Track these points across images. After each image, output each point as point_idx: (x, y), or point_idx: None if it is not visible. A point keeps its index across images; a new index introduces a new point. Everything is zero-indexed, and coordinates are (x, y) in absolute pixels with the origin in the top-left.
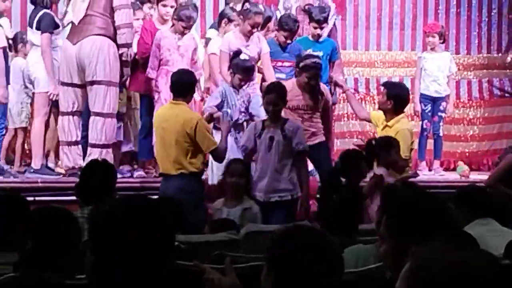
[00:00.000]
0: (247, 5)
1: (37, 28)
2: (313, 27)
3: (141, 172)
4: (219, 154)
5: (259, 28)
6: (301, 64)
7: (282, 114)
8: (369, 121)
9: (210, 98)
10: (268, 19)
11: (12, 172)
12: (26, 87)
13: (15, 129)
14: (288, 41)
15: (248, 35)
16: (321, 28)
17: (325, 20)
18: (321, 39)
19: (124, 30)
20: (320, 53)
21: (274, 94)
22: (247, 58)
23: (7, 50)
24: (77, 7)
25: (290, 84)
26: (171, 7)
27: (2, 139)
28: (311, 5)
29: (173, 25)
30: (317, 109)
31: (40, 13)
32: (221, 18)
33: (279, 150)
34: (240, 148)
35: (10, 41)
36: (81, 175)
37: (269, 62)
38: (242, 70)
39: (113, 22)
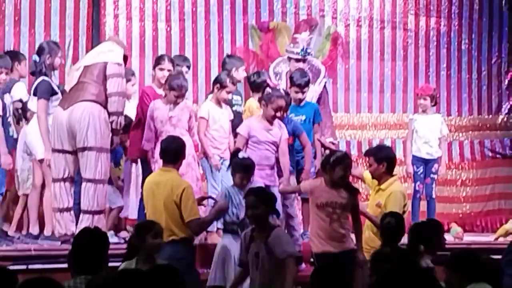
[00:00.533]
0: (268, 89)
1: (34, 95)
2: (295, 91)
3: None
4: (198, 226)
5: (282, 112)
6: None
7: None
8: (362, 179)
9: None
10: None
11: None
12: (30, 154)
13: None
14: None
15: (271, 120)
16: (303, 93)
17: (306, 84)
18: (302, 103)
19: (115, 98)
20: (303, 117)
21: (252, 197)
22: (245, 156)
23: (9, 119)
24: (70, 75)
25: (318, 180)
26: (168, 70)
27: None
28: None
29: (165, 95)
30: (347, 207)
31: (38, 80)
32: (214, 83)
33: (264, 268)
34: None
35: (20, 110)
36: (73, 244)
37: (286, 149)
38: (243, 168)
39: (105, 89)
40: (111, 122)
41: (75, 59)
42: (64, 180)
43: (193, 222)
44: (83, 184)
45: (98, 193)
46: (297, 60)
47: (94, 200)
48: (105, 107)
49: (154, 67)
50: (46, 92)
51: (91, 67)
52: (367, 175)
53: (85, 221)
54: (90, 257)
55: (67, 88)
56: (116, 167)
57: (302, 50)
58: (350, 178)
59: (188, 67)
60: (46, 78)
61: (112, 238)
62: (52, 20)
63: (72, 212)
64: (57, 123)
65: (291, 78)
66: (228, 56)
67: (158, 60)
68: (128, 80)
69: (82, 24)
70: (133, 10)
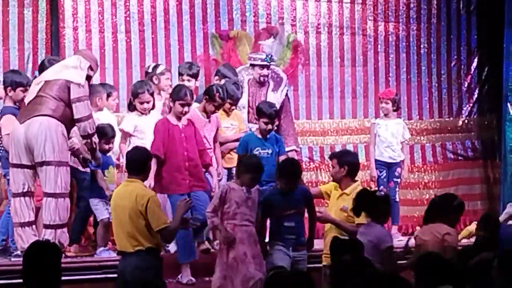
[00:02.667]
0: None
1: None
2: (264, 123)
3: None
4: (169, 234)
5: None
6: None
7: None
8: (320, 196)
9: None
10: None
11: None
12: None
13: None
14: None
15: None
16: (272, 123)
17: (276, 114)
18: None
19: (85, 123)
20: (269, 151)
21: None
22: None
23: None
24: (31, 89)
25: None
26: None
27: None
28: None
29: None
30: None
31: None
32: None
33: None
34: None
35: None
36: (23, 259)
37: None
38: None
39: (65, 106)
40: (85, 144)
41: (34, 73)
42: (24, 194)
43: (164, 230)
44: (44, 199)
45: (59, 207)
46: (262, 67)
47: (56, 214)
48: (63, 122)
49: (174, 101)
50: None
51: (51, 82)
52: (323, 187)
53: (48, 235)
54: (42, 271)
55: (26, 100)
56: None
57: (267, 56)
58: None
59: (190, 75)
60: None
61: (102, 253)
62: (11, 33)
63: (33, 226)
64: (15, 138)
65: (259, 109)
66: (223, 65)
67: (178, 94)
68: (108, 95)
69: (41, 36)
70: (92, 22)
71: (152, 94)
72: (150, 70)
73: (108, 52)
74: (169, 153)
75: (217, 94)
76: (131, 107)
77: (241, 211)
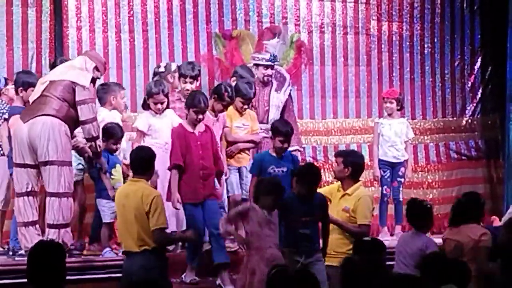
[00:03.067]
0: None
1: None
2: (279, 141)
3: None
4: (161, 237)
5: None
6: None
7: None
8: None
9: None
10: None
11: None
12: None
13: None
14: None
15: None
16: (288, 142)
17: (292, 132)
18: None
19: (89, 126)
20: (284, 169)
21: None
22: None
23: None
24: (36, 88)
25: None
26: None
27: None
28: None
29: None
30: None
31: None
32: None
33: None
34: None
35: None
36: (28, 259)
37: None
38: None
39: (68, 106)
40: (89, 147)
41: (38, 72)
42: (27, 194)
43: (157, 231)
44: (47, 198)
45: (63, 207)
46: (266, 67)
47: (60, 213)
48: (66, 122)
49: (188, 108)
50: None
51: (56, 82)
52: (324, 190)
53: (52, 235)
54: (46, 271)
55: (30, 100)
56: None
57: (272, 55)
58: None
59: (193, 77)
60: None
61: (107, 254)
62: (14, 33)
63: (37, 225)
64: (18, 138)
65: (274, 128)
66: (241, 66)
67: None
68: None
69: (44, 36)
70: (95, 22)
71: (166, 95)
72: (162, 69)
73: (112, 52)
74: (186, 162)
75: (226, 93)
76: (145, 106)
77: (265, 233)
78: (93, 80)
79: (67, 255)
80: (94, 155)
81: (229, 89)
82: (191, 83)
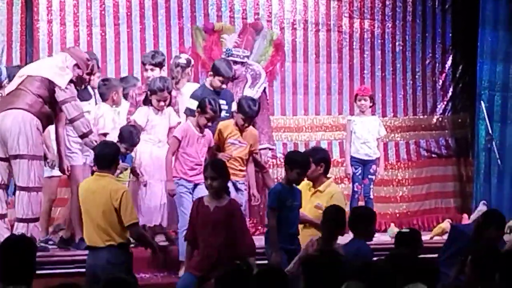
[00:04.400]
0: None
1: None
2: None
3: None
4: (137, 233)
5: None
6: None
7: None
8: None
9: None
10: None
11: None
12: None
13: None
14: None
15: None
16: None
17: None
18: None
19: (78, 123)
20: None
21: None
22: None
23: None
24: (13, 81)
25: None
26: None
27: None
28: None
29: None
30: None
31: None
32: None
33: None
34: None
35: None
36: None
37: None
38: None
39: (43, 103)
40: (85, 144)
41: (9, 65)
42: None
43: (132, 226)
44: (17, 192)
45: (32, 201)
46: (234, 63)
47: (29, 208)
48: (39, 117)
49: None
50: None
51: (34, 77)
52: None
53: (20, 229)
54: (16, 265)
55: (6, 92)
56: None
57: (227, 50)
58: None
59: (154, 64)
60: None
61: None
62: None
63: (6, 219)
64: None
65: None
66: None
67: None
68: (134, 85)
69: (15, 29)
70: (67, 15)
71: (170, 92)
72: (183, 61)
73: (83, 46)
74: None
75: (209, 106)
76: (147, 102)
77: None
78: (78, 78)
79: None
80: (93, 150)
81: (213, 102)
82: (152, 70)
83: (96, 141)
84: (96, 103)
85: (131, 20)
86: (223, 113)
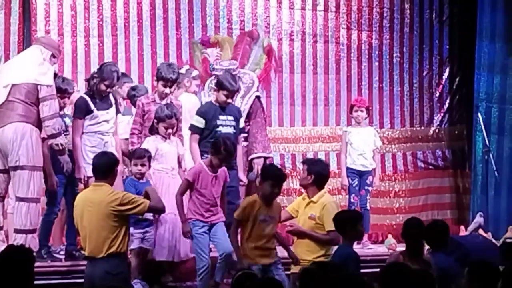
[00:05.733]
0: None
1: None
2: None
3: None
4: (157, 208)
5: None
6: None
7: None
8: (291, 217)
9: None
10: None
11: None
12: None
13: None
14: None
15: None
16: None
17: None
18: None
19: (48, 123)
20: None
21: None
22: None
23: None
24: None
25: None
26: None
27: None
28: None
29: None
30: None
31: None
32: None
33: None
34: None
35: None
36: None
37: None
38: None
39: (37, 109)
40: (51, 145)
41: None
42: None
43: (150, 209)
44: (16, 203)
45: (31, 212)
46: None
47: (27, 219)
48: (36, 125)
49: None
50: (77, 111)
51: (20, 86)
52: (291, 206)
53: (18, 240)
54: (14, 276)
55: None
56: None
57: (210, 65)
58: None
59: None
60: (83, 95)
61: (136, 285)
62: None
63: (2, 231)
64: None
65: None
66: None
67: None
68: (146, 93)
69: (13, 39)
70: (64, 26)
71: (178, 119)
72: (183, 71)
73: (81, 56)
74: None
75: (223, 147)
76: (153, 130)
77: None
78: (98, 89)
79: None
80: (57, 153)
81: (227, 142)
82: (170, 87)
83: (62, 145)
84: (117, 112)
85: (129, 31)
86: (231, 129)
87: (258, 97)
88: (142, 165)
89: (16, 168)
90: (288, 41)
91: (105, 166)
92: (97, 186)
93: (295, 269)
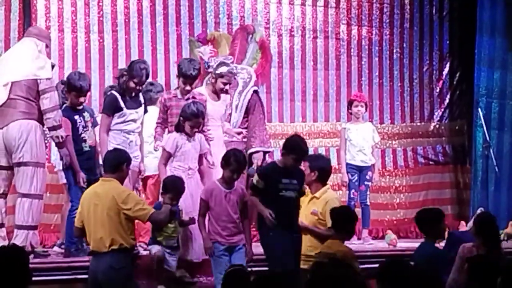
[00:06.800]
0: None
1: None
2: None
3: None
4: (156, 218)
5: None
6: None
7: None
8: None
9: None
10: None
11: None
12: None
13: None
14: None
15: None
16: (191, 85)
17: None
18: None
19: (49, 115)
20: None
21: None
22: None
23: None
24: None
25: None
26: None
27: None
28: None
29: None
30: None
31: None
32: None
33: None
34: None
35: None
36: None
37: None
38: None
39: (39, 105)
40: (51, 137)
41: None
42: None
43: (152, 217)
44: (18, 199)
45: (33, 208)
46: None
47: (29, 215)
48: (40, 121)
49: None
50: (106, 108)
51: (20, 83)
52: None
53: (20, 236)
54: (7, 276)
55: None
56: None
57: (205, 63)
58: None
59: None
60: (113, 91)
61: None
62: None
63: (3, 228)
64: None
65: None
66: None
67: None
68: (162, 90)
69: (13, 35)
70: (65, 22)
71: (203, 118)
72: (212, 63)
73: (81, 52)
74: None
75: (233, 157)
76: (179, 128)
77: None
78: (128, 87)
79: (33, 256)
80: (57, 145)
81: (237, 154)
82: (190, 84)
83: (62, 137)
84: (145, 112)
85: (129, 27)
86: (294, 194)
87: (256, 92)
88: (174, 199)
89: (19, 164)
90: (288, 36)
91: (113, 161)
92: (105, 181)
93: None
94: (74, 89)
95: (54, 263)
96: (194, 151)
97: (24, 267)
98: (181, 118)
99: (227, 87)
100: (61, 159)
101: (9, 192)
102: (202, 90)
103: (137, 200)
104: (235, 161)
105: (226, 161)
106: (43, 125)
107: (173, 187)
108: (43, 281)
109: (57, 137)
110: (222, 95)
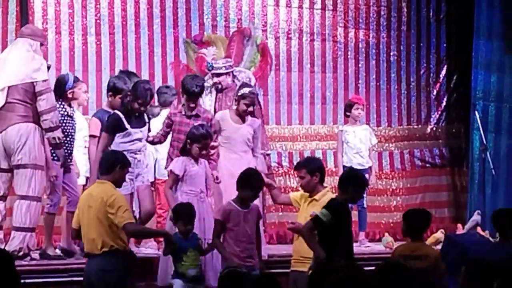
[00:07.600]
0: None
1: None
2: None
3: None
4: (133, 228)
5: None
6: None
7: None
8: (289, 204)
9: None
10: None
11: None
12: None
13: None
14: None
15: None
16: (195, 102)
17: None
18: None
19: (46, 116)
20: None
21: None
22: None
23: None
24: None
25: None
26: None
27: None
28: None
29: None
30: None
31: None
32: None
33: None
34: None
35: None
36: None
37: None
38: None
39: (35, 107)
40: (48, 139)
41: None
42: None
43: (126, 225)
44: (16, 201)
45: (31, 210)
46: (217, 75)
47: (27, 217)
48: (38, 124)
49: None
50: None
51: (17, 86)
52: (293, 195)
53: (17, 238)
54: None
55: None
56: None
57: (207, 64)
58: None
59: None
60: (117, 112)
61: None
62: None
63: (1, 231)
64: None
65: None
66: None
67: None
68: (174, 94)
69: (10, 38)
70: (62, 24)
71: (212, 139)
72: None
73: (78, 55)
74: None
75: (253, 177)
76: (185, 152)
77: None
78: (132, 108)
79: (29, 258)
80: (53, 146)
81: (255, 173)
82: (194, 101)
83: (59, 138)
84: (149, 131)
85: (126, 29)
86: None
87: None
88: (187, 225)
89: (18, 166)
90: (285, 39)
91: (107, 162)
92: (100, 183)
93: (298, 267)
94: (120, 92)
95: (51, 265)
96: (202, 173)
97: (11, 270)
98: (189, 141)
99: (250, 108)
100: (58, 160)
101: (8, 195)
102: (226, 114)
103: (120, 205)
104: (255, 180)
105: (246, 181)
106: (41, 127)
107: (184, 213)
108: (39, 283)
109: (54, 138)
110: (249, 119)
